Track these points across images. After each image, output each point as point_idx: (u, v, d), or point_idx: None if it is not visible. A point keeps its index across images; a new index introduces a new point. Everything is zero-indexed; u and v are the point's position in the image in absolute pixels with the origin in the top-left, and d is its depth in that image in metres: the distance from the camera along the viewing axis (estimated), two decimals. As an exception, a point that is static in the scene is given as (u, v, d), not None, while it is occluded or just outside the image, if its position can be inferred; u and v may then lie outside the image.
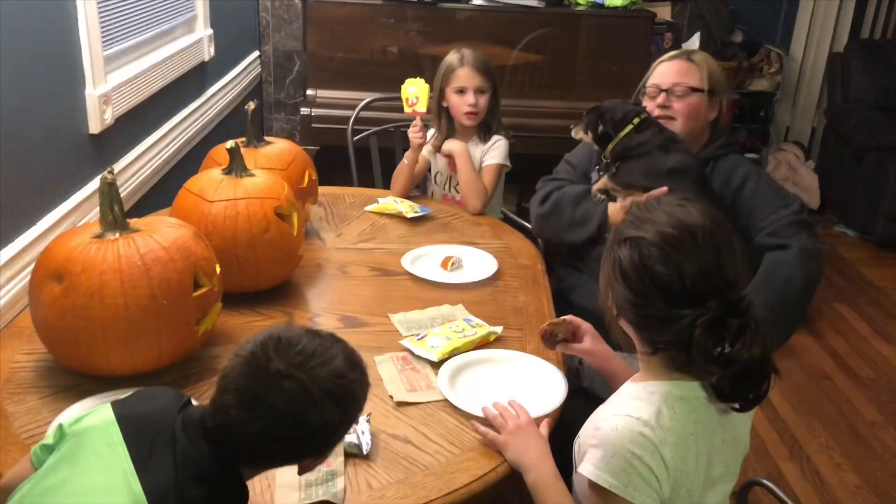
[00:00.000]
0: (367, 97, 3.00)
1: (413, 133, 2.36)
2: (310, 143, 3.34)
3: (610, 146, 1.95)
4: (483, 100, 2.39)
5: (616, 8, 3.47)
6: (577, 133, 2.04)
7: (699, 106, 2.00)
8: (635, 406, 1.19)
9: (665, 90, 2.01)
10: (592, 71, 3.51)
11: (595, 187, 2.04)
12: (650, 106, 2.03)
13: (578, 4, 3.55)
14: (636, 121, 1.92)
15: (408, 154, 2.41)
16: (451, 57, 2.42)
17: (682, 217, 1.18)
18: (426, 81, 2.36)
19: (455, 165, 2.40)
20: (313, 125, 3.35)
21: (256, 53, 3.85)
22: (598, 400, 1.48)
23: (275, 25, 3.90)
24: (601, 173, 2.05)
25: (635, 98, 2.14)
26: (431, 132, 2.51)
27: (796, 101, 5.00)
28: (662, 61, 2.06)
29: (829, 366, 3.19)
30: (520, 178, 2.51)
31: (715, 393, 1.19)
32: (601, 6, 3.50)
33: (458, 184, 2.43)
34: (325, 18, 3.39)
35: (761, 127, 4.89)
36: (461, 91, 2.38)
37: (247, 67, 3.62)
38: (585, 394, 1.82)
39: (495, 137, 2.45)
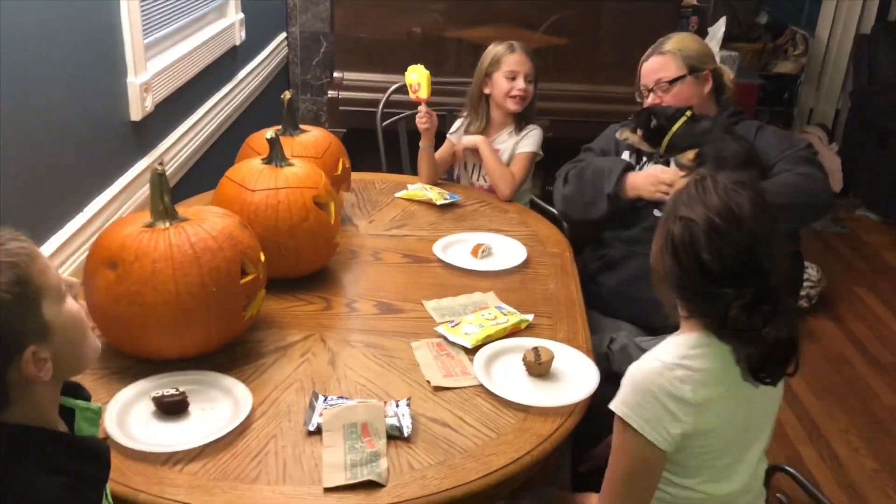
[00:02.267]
0: (394, 79, 3.03)
1: (418, 119, 2.39)
2: (337, 126, 3.38)
3: (666, 139, 2.02)
4: (531, 88, 2.44)
5: (642, -9, 3.47)
6: (623, 134, 2.13)
7: (686, 91, 2.12)
8: (662, 351, 1.35)
9: (651, 90, 2.15)
10: (617, 54, 3.52)
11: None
12: (647, 105, 2.16)
13: (605, -13, 3.55)
14: (689, 113, 2.02)
15: (421, 141, 2.44)
16: (499, 46, 2.45)
17: (732, 206, 1.29)
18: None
19: (478, 156, 2.45)
20: (340, 108, 3.38)
21: (284, 35, 3.89)
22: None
23: (302, 7, 3.93)
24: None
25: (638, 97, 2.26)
26: (459, 122, 2.55)
27: (821, 83, 4.98)
28: (643, 61, 2.19)
29: (850, 350, 3.22)
30: (543, 161, 2.56)
31: (747, 367, 1.32)
32: (627, -11, 3.50)
33: (485, 173, 2.48)
34: (352, 1, 3.41)
35: (784, 109, 4.88)
36: (512, 76, 2.41)
37: (274, 49, 3.66)
38: (616, 378, 1.88)
39: (529, 126, 2.49)
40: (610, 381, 1.87)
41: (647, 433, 1.30)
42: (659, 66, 2.13)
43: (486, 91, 2.47)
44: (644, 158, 2.15)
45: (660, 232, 1.38)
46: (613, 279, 2.12)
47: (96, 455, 1.04)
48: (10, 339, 0.92)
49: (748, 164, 1.95)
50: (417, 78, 2.35)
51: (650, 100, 2.14)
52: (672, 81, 2.11)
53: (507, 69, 2.41)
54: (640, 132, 2.07)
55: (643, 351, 1.87)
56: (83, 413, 1.07)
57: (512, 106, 2.43)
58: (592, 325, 2.05)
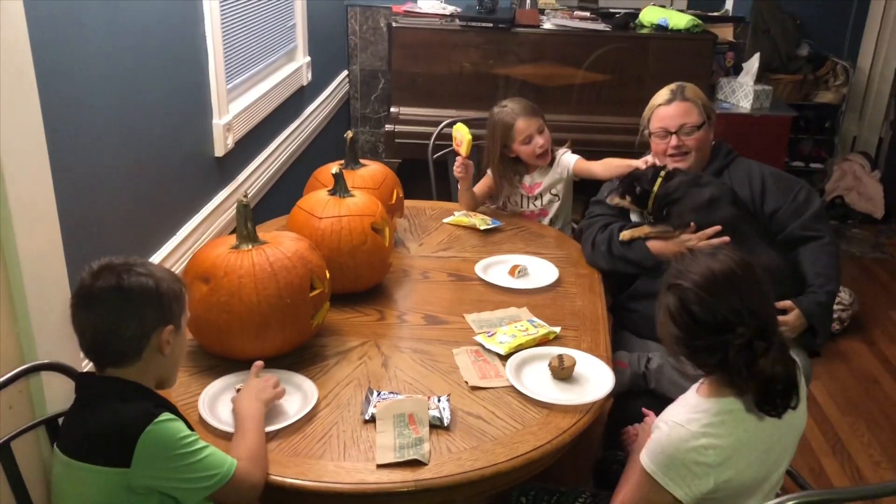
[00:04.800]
0: (445, 114, 3.35)
1: (455, 169, 2.63)
2: (393, 157, 3.69)
3: (650, 200, 2.27)
4: (546, 134, 2.63)
5: (679, 31, 3.70)
6: (614, 200, 2.36)
7: (704, 136, 2.34)
8: (688, 419, 1.49)
9: (674, 132, 2.32)
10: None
11: (629, 235, 2.30)
12: (662, 146, 2.34)
13: (643, 27, 3.79)
14: (663, 174, 2.26)
15: (460, 183, 2.69)
16: (497, 119, 2.61)
17: (711, 266, 1.49)
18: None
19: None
20: (396, 140, 3.69)
21: (345, 72, 4.23)
22: (664, 399, 1.76)
23: (361, 46, 4.26)
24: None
25: (640, 137, 2.46)
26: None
27: (863, 112, 5.10)
28: (661, 105, 2.35)
29: (879, 371, 3.36)
30: (588, 190, 2.74)
31: (755, 405, 1.49)
32: (665, 29, 3.74)
33: (536, 199, 2.72)
34: (408, 42, 3.72)
35: (826, 138, 5.02)
36: (528, 140, 2.59)
37: (337, 86, 4.00)
38: (652, 394, 2.10)
39: (560, 151, 2.68)
40: (646, 395, 2.10)
41: (671, 489, 1.46)
42: (685, 111, 2.31)
43: (511, 155, 2.65)
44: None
45: (659, 311, 1.55)
46: (642, 306, 2.30)
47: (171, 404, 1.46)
48: (168, 311, 1.40)
49: (709, 208, 2.19)
50: (461, 136, 2.60)
51: (673, 141, 2.31)
52: (698, 127, 2.31)
53: (520, 138, 2.59)
54: (628, 198, 2.31)
55: (677, 370, 2.04)
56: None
57: (542, 161, 2.64)
58: (627, 345, 2.30)
